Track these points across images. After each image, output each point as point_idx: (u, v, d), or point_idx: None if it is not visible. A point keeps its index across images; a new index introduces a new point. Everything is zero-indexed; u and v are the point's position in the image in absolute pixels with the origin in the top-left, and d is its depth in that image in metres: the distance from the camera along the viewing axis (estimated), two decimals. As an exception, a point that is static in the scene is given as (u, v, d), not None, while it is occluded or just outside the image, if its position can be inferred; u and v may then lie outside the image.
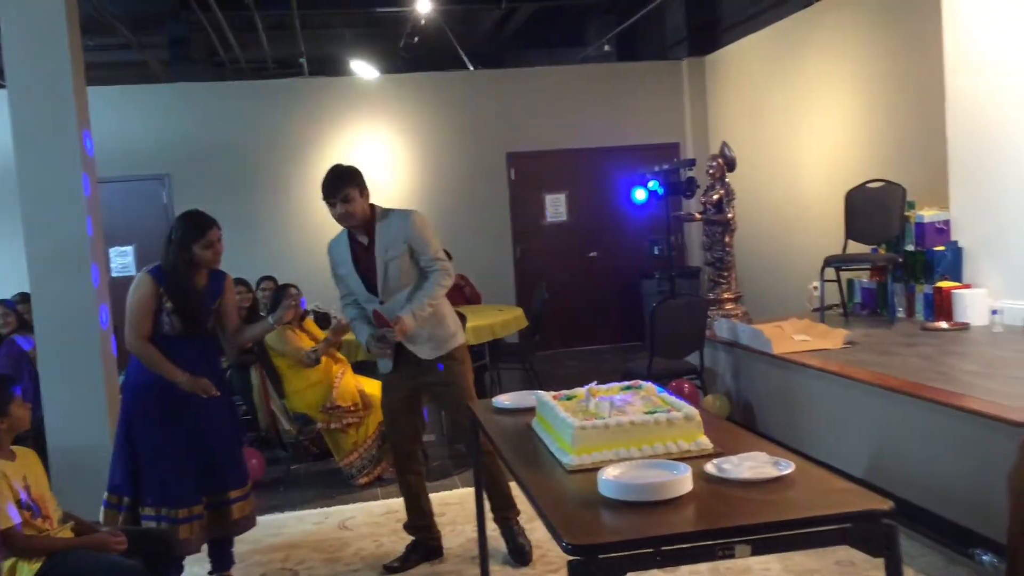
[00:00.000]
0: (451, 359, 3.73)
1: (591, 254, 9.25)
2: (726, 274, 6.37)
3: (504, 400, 3.19)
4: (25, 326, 5.41)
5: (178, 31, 8.78)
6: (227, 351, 3.89)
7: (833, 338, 5.11)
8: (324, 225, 8.79)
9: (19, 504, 2.79)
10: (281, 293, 5.20)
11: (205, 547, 3.59)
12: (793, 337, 5.20)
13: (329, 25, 9.14)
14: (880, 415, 4.09)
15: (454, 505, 4.46)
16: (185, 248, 3.44)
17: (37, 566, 2.76)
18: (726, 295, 6.38)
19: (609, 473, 2.16)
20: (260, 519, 4.05)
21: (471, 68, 9.32)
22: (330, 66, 9.24)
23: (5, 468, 2.81)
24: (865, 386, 4.17)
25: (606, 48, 9.28)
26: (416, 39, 8.96)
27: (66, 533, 2.93)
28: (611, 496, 2.09)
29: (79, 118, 4.64)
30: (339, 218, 3.66)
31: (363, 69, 9.01)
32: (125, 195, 8.37)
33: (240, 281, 5.46)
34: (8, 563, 2.76)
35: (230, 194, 8.54)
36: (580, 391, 2.81)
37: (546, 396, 2.82)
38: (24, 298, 5.66)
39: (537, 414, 2.83)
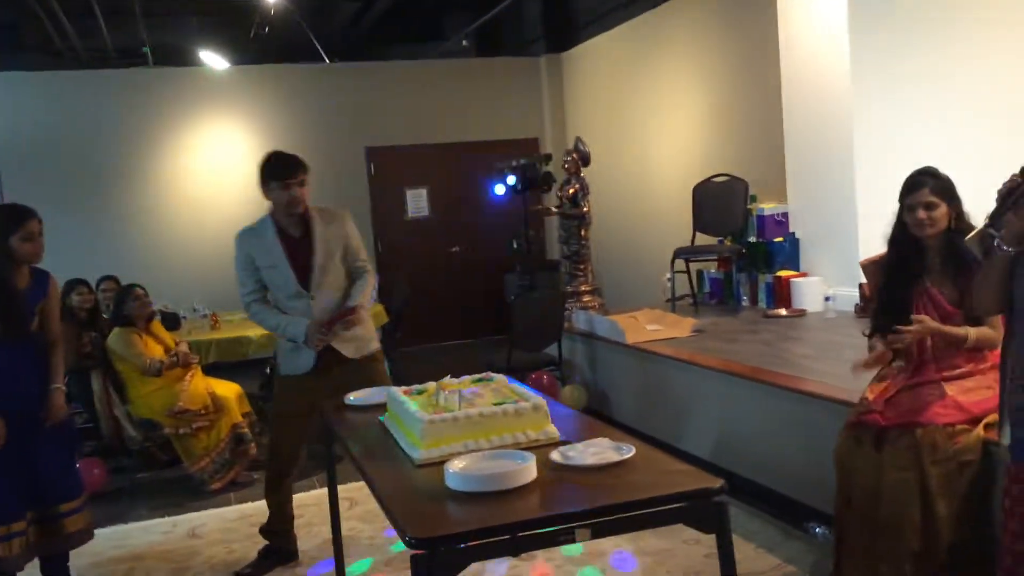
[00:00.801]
0: (373, 360, 3.69)
1: (453, 249, 9.26)
2: (583, 267, 6.51)
3: (355, 397, 3.15)
4: None
5: (6, 17, 8.18)
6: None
7: (683, 327, 5.31)
8: (175, 222, 8.51)
9: None
10: (125, 294, 4.95)
11: (36, 564, 3.37)
12: (646, 327, 5.37)
13: (174, 12, 8.73)
14: (725, 399, 4.29)
15: (311, 506, 4.37)
16: (2, 242, 3.21)
17: None
18: (583, 287, 6.52)
19: (455, 465, 2.17)
20: (101, 532, 3.86)
21: (327, 61, 9.13)
22: (177, 56, 8.83)
23: None
24: (711, 372, 4.36)
25: (464, 43, 9.27)
26: (267, 29, 8.69)
27: None
28: (457, 488, 2.09)
29: None
30: (290, 202, 3.51)
31: (212, 59, 8.66)
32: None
33: (80, 281, 5.16)
34: None
35: (70, 191, 8.05)
36: (431, 385, 2.81)
37: (396, 391, 2.80)
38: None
39: (388, 409, 2.81)
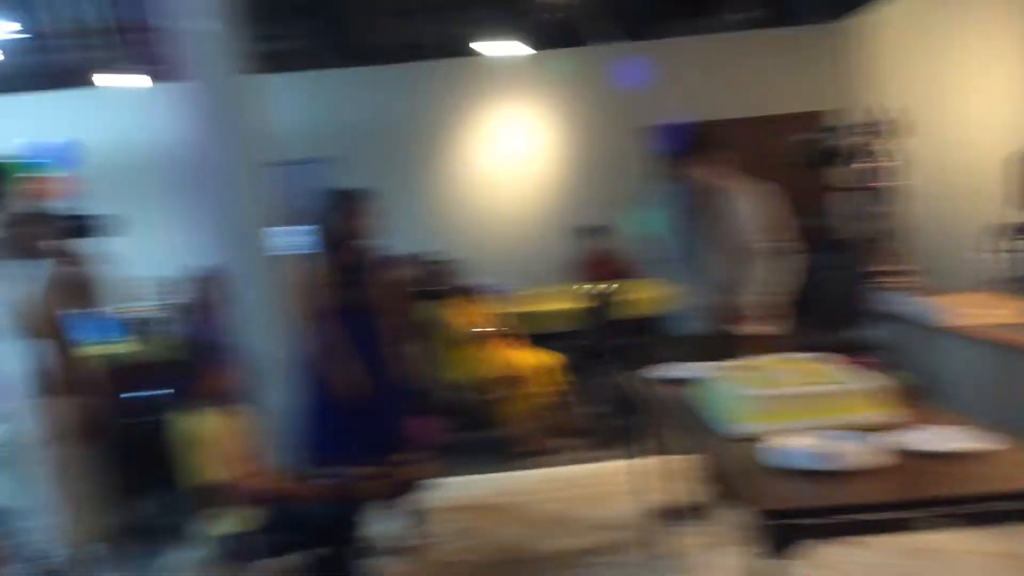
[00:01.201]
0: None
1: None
2: (891, 245, 6.10)
3: (666, 371, 3.22)
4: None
5: (333, 20, 9.11)
6: None
7: (1015, 310, 4.81)
8: (479, 204, 9.10)
9: (233, 458, 3.04)
10: (444, 270, 5.40)
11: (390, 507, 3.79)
12: (973, 310, 4.93)
13: (456, 7, 9.24)
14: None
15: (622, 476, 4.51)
16: (337, 221, 3.64)
17: (245, 516, 3.00)
18: (892, 267, 6.12)
19: (797, 442, 2.17)
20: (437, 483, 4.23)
21: (614, 40, 9.22)
22: (465, 47, 9.35)
23: (220, 424, 3.06)
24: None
25: (752, 15, 8.94)
26: (556, 15, 8.96)
27: (272, 485, 3.17)
28: (799, 466, 2.09)
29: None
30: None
31: (508, 48, 9.08)
32: (294, 177, 8.84)
33: (410, 257, 5.70)
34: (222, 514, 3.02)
35: (388, 175, 8.88)
36: (757, 361, 2.80)
37: (717, 367, 2.82)
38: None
39: (700, 384, 2.84)
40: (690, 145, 3.55)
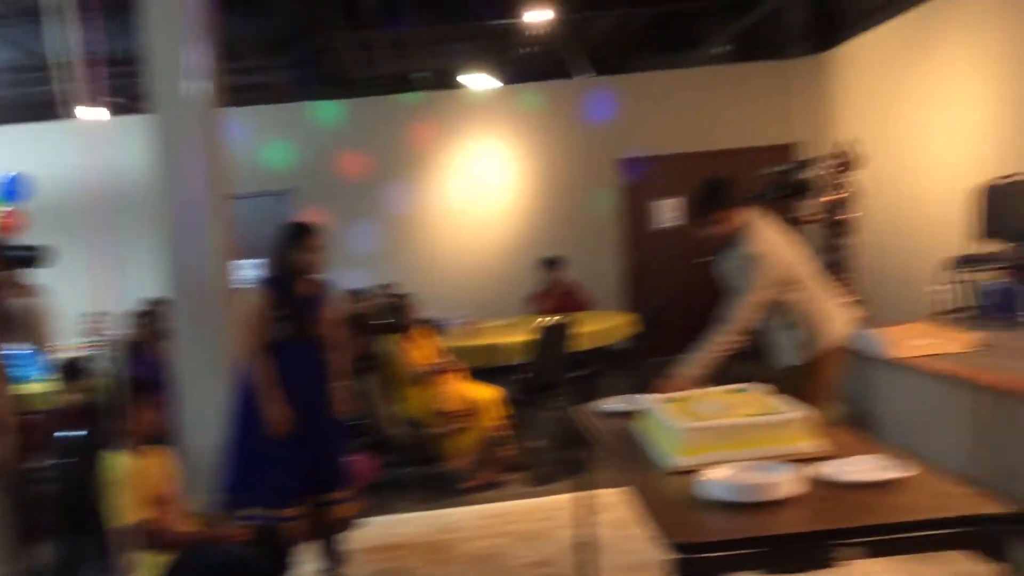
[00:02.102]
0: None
1: (709, 259, 9.11)
2: (844, 276, 6.17)
3: (610, 403, 3.22)
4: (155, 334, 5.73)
5: (303, 54, 9.16)
6: None
7: (959, 342, 4.87)
8: (441, 236, 9.12)
9: (153, 500, 2.99)
10: (397, 304, 5.38)
11: (312, 547, 3.74)
12: (915, 341, 4.99)
13: (444, 41, 9.35)
14: (1011, 423, 3.89)
15: (560, 511, 4.49)
16: (286, 254, 3.63)
17: (164, 559, 2.95)
18: (846, 299, 6.18)
19: (715, 474, 2.16)
20: (371, 521, 4.20)
21: (585, 74, 9.34)
22: (445, 80, 9.44)
23: (140, 465, 3.02)
24: (994, 392, 3.97)
25: (723, 49, 9.11)
26: (530, 49, 9.07)
27: (193, 528, 3.12)
28: (715, 497, 2.08)
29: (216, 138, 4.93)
30: None
31: (479, 81, 9.16)
32: (253, 210, 8.81)
33: (361, 291, 5.68)
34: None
35: (350, 205, 8.90)
36: (687, 394, 2.81)
37: (650, 399, 2.83)
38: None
39: (642, 417, 2.84)
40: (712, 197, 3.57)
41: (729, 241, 3.54)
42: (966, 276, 5.78)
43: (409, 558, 4.11)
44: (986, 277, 6.01)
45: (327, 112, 9.08)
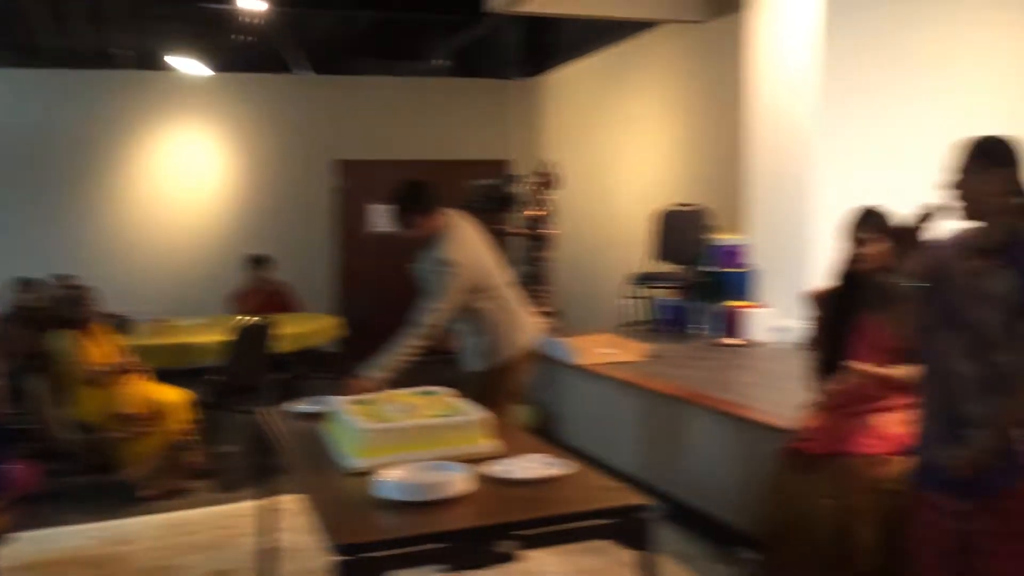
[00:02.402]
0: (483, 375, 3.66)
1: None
2: (542, 288, 6.55)
3: (301, 405, 3.16)
4: None
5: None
6: None
7: (635, 351, 5.36)
8: (136, 226, 8.45)
9: None
10: (70, 295, 4.89)
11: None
12: (598, 350, 5.41)
13: (152, 18, 8.69)
14: (670, 423, 4.34)
15: (245, 517, 4.33)
16: None
17: None
18: (542, 309, 6.55)
19: (387, 474, 2.18)
20: (26, 535, 3.80)
21: (300, 71, 9.12)
22: (151, 60, 8.77)
23: None
24: (657, 396, 4.41)
25: (441, 63, 9.32)
26: (245, 38, 8.69)
27: None
28: (387, 497, 2.11)
29: None
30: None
31: (191, 66, 8.61)
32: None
33: (32, 281, 5.11)
34: None
35: (29, 189, 7.99)
36: (374, 396, 2.82)
37: (338, 401, 2.81)
38: None
39: (328, 418, 2.82)
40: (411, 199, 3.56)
41: (427, 244, 3.61)
42: (645, 292, 6.38)
43: (67, 574, 3.75)
44: (661, 294, 6.68)
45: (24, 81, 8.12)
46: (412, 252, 3.80)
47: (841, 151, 5.38)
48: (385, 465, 2.32)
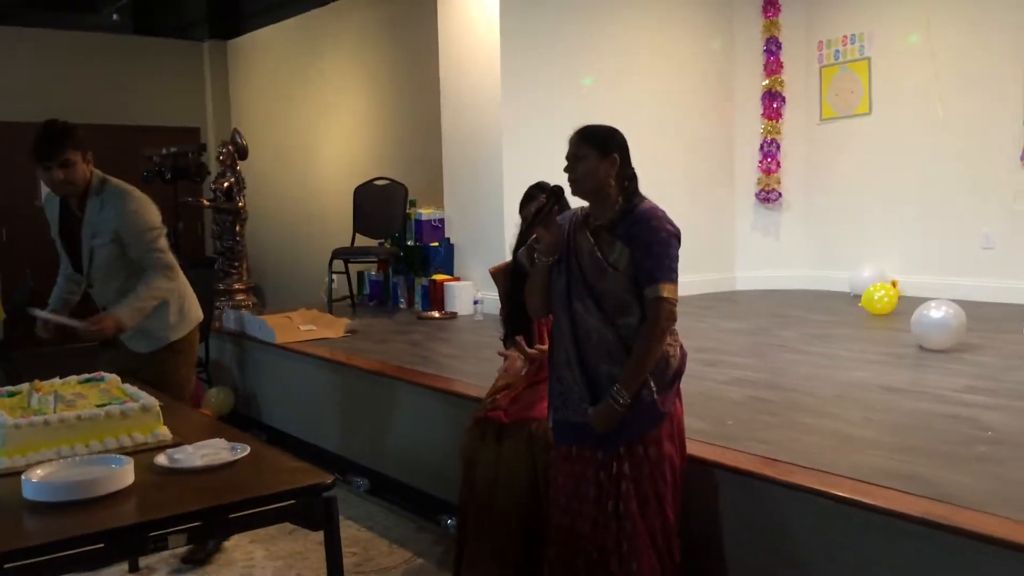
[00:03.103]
0: (168, 351, 3.31)
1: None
2: (237, 264, 6.24)
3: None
4: None
5: None
6: None
7: (337, 327, 5.27)
8: None
9: None
10: None
11: None
12: (300, 327, 5.26)
13: None
14: (371, 399, 4.31)
15: None
16: None
17: None
18: (237, 285, 6.24)
19: (33, 474, 1.94)
20: None
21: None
22: None
23: None
24: (358, 372, 4.36)
25: (116, 18, 8.48)
26: None
27: None
28: (36, 499, 1.87)
29: None
30: (55, 185, 3.08)
31: None
32: None
33: None
34: None
35: None
36: (24, 387, 2.51)
37: (-18, 393, 2.46)
38: None
39: (-30, 415, 2.45)
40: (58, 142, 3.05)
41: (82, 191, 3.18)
42: (348, 267, 6.30)
43: None
44: (364, 268, 6.64)
45: None
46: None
47: (528, 128, 5.65)
48: (35, 463, 2.06)
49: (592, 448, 2.41)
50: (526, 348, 2.94)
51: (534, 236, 2.46)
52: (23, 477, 1.92)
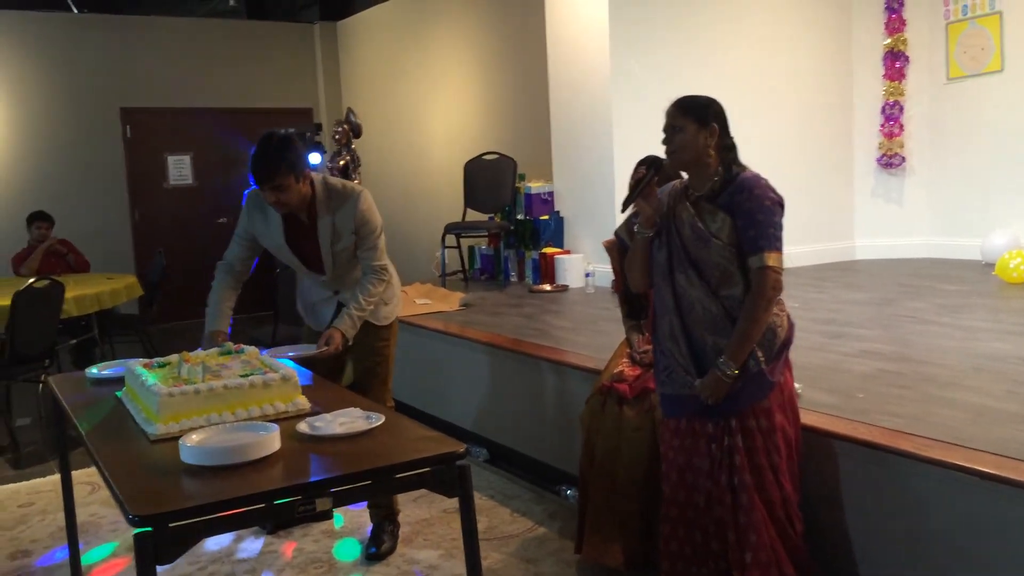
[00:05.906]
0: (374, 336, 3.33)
1: (220, 220, 8.81)
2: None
3: (98, 370, 2.93)
4: None
5: None
6: None
7: (451, 301, 5.37)
8: None
9: None
10: None
11: None
12: (415, 301, 5.38)
13: None
14: (488, 370, 4.39)
15: (48, 492, 4.03)
16: None
17: None
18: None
19: (191, 439, 2.06)
20: None
21: (75, 10, 8.33)
22: None
23: None
24: (475, 344, 4.44)
25: (233, 3, 8.78)
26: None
27: None
28: (192, 462, 1.99)
29: None
30: (272, 205, 3.07)
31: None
32: None
33: None
34: None
35: None
36: (174, 358, 2.65)
37: (135, 364, 2.62)
38: None
39: (125, 384, 2.62)
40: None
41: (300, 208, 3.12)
42: (459, 242, 6.39)
43: None
44: (475, 243, 6.72)
45: None
46: (217, 206, 3.51)
47: (638, 102, 5.57)
48: (188, 430, 2.19)
49: (702, 421, 2.40)
50: (636, 350, 2.95)
51: (633, 209, 2.45)
52: (180, 442, 2.04)
